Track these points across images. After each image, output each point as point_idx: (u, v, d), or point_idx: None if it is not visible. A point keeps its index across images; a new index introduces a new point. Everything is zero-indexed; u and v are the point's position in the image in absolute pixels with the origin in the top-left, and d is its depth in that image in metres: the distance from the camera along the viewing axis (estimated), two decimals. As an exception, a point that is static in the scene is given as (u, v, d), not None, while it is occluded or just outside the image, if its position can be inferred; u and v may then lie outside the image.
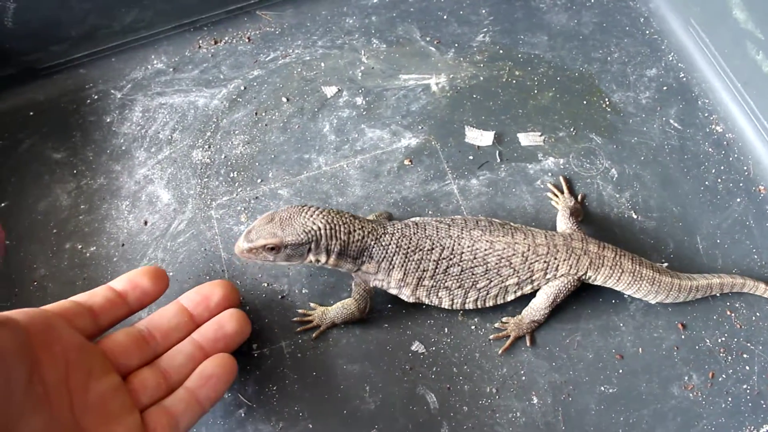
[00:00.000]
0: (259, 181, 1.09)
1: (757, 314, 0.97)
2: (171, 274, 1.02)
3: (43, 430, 0.67)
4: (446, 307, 0.95)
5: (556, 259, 0.92)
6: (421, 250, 0.91)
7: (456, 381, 0.94)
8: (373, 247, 0.90)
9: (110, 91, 1.20)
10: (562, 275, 0.93)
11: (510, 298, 0.94)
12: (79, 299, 0.81)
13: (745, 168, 1.09)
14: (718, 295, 0.98)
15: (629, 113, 1.15)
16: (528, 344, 0.96)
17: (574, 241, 0.94)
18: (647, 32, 1.24)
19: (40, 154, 1.14)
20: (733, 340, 0.96)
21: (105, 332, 0.83)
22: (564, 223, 0.99)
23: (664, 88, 1.17)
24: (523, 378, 0.94)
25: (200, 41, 1.25)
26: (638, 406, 0.92)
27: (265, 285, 1.01)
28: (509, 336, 0.95)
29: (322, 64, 1.22)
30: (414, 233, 0.91)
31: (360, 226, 0.90)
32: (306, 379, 0.94)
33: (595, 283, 0.95)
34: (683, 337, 0.96)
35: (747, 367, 0.94)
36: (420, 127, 1.14)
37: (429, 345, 0.96)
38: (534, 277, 0.93)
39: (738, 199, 1.06)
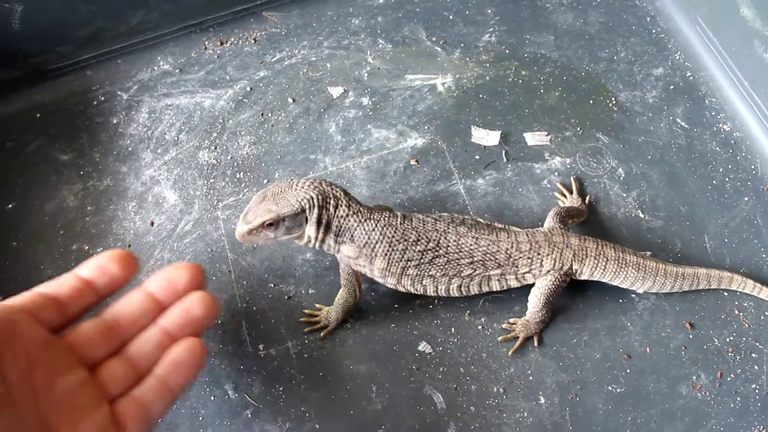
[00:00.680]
0: (265, 181, 1.09)
1: (766, 314, 0.97)
2: (178, 274, 1.02)
3: (8, 430, 0.65)
4: (431, 294, 0.95)
5: (539, 254, 0.92)
6: (406, 240, 0.91)
7: (463, 381, 0.94)
8: (356, 229, 0.90)
9: (117, 92, 1.21)
10: (548, 271, 0.93)
11: (495, 287, 0.94)
12: (44, 290, 0.78)
13: (753, 167, 1.09)
14: (725, 294, 0.98)
15: (636, 112, 1.14)
16: (535, 344, 0.95)
17: (555, 236, 0.94)
18: (654, 31, 1.24)
19: (47, 156, 1.14)
20: (741, 340, 0.95)
21: (74, 321, 0.80)
22: (548, 221, 0.99)
23: (671, 87, 1.17)
24: (531, 378, 0.94)
25: (206, 42, 1.25)
26: (646, 406, 0.91)
27: (272, 286, 1.01)
28: (518, 337, 0.95)
29: (328, 65, 1.22)
30: (400, 223, 0.91)
31: (347, 204, 0.90)
32: (313, 380, 0.94)
33: (582, 277, 0.95)
34: (691, 336, 0.96)
35: (756, 367, 0.93)
36: (426, 127, 1.14)
37: (436, 345, 0.96)
38: (519, 272, 0.93)
39: (746, 198, 1.06)
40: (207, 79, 1.21)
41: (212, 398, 0.93)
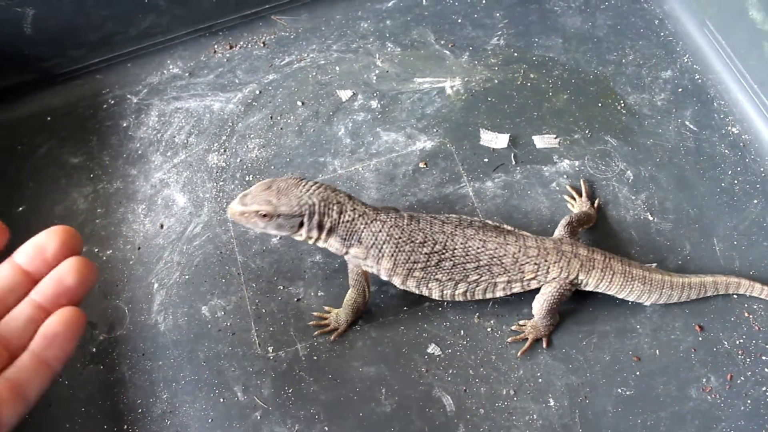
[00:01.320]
0: (274, 184, 1.10)
1: (776, 316, 0.97)
2: (187, 277, 1.03)
3: None
4: (436, 297, 0.95)
5: (546, 261, 0.92)
6: (412, 242, 0.91)
7: (472, 383, 0.94)
8: (363, 231, 0.91)
9: (126, 96, 1.21)
10: (553, 279, 0.93)
11: (499, 293, 0.94)
12: None
13: (762, 169, 1.09)
14: (735, 296, 0.98)
15: (644, 115, 1.14)
16: (544, 346, 0.95)
17: (564, 245, 0.94)
18: (662, 34, 1.24)
19: (58, 159, 1.15)
20: (751, 342, 0.95)
21: None
22: (558, 231, 0.99)
23: (680, 89, 1.17)
24: (540, 380, 0.94)
25: (216, 46, 1.26)
26: (656, 409, 0.91)
27: (281, 288, 1.01)
28: (527, 339, 0.95)
29: (337, 68, 1.22)
30: (407, 224, 0.91)
31: (352, 208, 0.91)
32: (322, 382, 0.94)
33: (588, 288, 0.95)
34: (701, 338, 0.96)
35: (766, 369, 0.93)
36: (435, 130, 1.14)
37: (445, 347, 0.96)
38: (525, 278, 0.93)
39: (755, 201, 1.06)
40: (216, 83, 1.22)
41: (221, 400, 0.94)
